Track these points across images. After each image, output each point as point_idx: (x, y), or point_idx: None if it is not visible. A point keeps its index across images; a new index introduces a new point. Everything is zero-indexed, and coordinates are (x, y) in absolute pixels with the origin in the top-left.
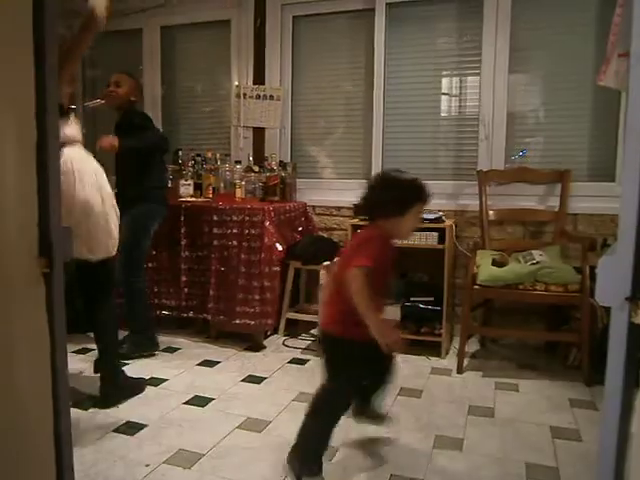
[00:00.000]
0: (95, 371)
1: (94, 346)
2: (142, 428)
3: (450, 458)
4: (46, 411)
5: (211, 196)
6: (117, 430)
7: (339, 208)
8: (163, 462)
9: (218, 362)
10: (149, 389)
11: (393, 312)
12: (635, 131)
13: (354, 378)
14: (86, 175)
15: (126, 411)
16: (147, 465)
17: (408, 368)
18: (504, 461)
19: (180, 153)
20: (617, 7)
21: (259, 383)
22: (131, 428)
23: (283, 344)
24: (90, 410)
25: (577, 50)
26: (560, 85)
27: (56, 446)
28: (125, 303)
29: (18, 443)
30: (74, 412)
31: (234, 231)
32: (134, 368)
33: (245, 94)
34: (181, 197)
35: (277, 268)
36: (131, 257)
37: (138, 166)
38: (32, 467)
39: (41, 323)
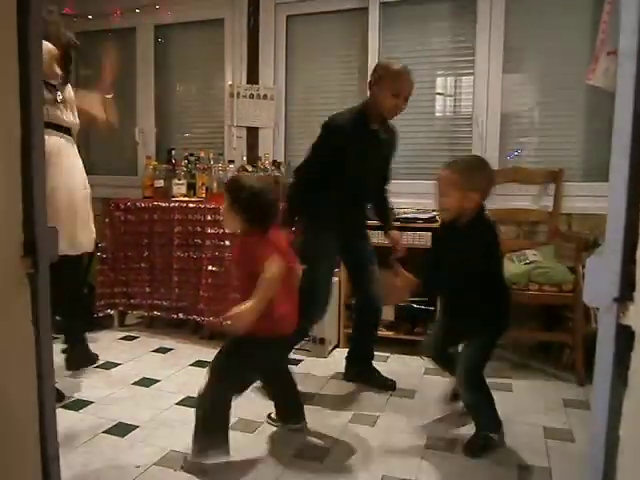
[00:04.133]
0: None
1: None
2: (133, 429)
3: (442, 459)
4: (32, 413)
5: (204, 196)
6: (108, 431)
7: None
8: (154, 463)
9: None
10: (141, 390)
11: (387, 312)
12: (622, 131)
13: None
14: (77, 171)
15: (117, 412)
16: (137, 466)
17: (401, 368)
18: (497, 462)
19: (173, 153)
20: (606, 4)
21: None
22: (122, 429)
23: None
24: (81, 411)
25: (571, 50)
26: (554, 85)
27: (41, 440)
28: None
29: (2, 442)
30: (65, 414)
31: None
32: (126, 369)
33: (239, 93)
34: (174, 197)
35: None
36: None
37: None
38: (17, 459)
39: (26, 324)
